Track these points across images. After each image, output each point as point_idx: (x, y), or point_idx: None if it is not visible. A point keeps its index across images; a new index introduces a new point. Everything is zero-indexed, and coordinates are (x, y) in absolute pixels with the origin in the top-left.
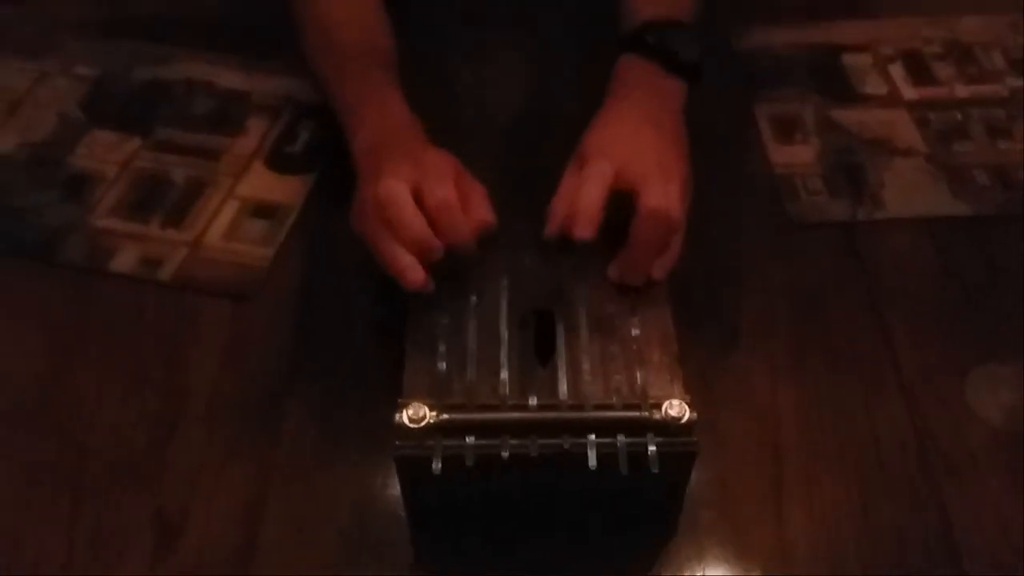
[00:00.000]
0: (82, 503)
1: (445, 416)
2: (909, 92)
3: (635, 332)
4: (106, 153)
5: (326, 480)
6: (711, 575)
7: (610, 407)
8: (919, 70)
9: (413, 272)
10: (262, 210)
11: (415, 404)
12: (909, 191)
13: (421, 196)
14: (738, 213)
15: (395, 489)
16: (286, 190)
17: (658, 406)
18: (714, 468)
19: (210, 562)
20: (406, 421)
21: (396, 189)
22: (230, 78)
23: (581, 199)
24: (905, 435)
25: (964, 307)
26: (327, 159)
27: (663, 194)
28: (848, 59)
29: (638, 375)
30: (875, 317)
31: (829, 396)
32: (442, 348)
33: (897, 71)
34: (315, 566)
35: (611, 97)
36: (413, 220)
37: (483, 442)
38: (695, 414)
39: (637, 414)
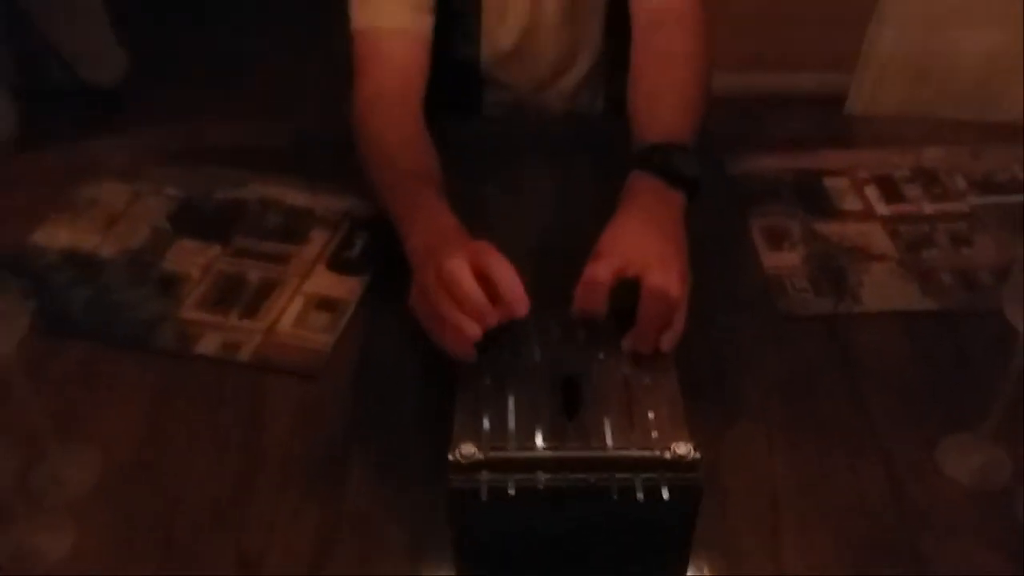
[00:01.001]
0: (174, 544)
1: (490, 454)
2: (882, 209)
3: (647, 393)
4: (191, 258)
5: (384, 526)
6: None
7: (628, 449)
8: (890, 191)
9: (473, 329)
10: (324, 304)
11: (465, 445)
12: (884, 289)
13: (478, 272)
14: (737, 307)
15: (445, 533)
16: (345, 288)
17: (668, 447)
18: (720, 519)
19: None
20: (458, 459)
21: (460, 265)
22: (296, 197)
23: (587, 277)
24: (885, 494)
25: (933, 386)
26: (379, 263)
27: (664, 277)
28: (829, 181)
29: (650, 426)
30: (856, 394)
31: (819, 460)
32: (486, 404)
33: (872, 191)
34: None
35: (623, 205)
36: (475, 290)
37: (522, 476)
38: (699, 454)
39: (650, 454)
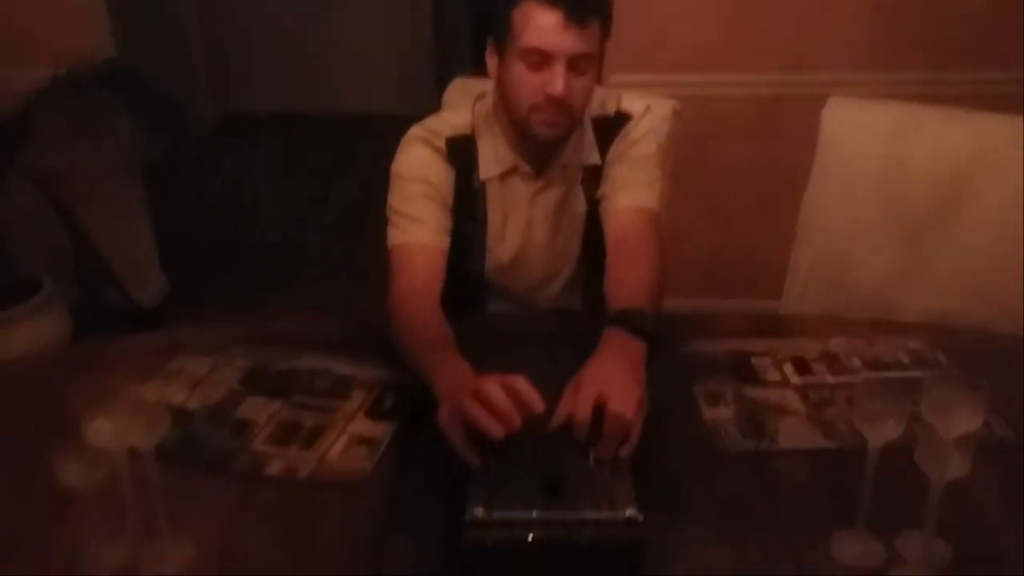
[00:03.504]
0: None
1: (495, 516)
2: (796, 379)
3: (607, 481)
4: (259, 410)
5: None
6: None
7: (593, 513)
8: (802, 368)
9: (497, 427)
10: (364, 441)
11: (477, 509)
12: (794, 434)
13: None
14: (683, 447)
15: None
16: (379, 430)
17: (621, 512)
18: None
19: None
20: (472, 518)
21: (494, 386)
22: (341, 367)
23: (578, 414)
24: (792, 571)
25: (828, 498)
26: (405, 413)
27: (622, 406)
28: (755, 360)
29: (609, 500)
30: (771, 505)
31: (741, 550)
32: (492, 485)
33: (788, 368)
34: None
35: (597, 351)
36: (505, 400)
37: (518, 531)
38: (643, 515)
39: (608, 515)
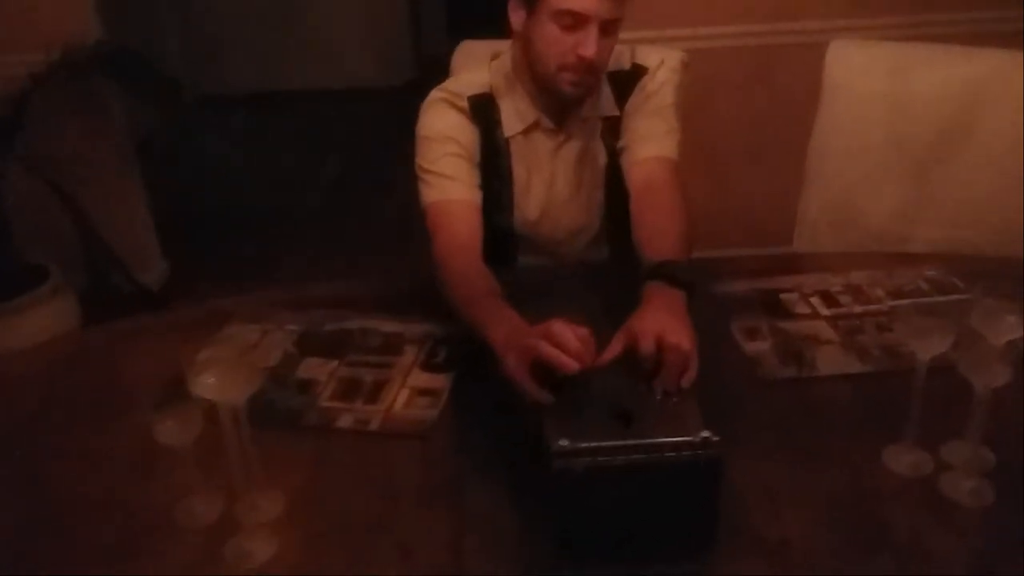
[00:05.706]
0: (348, 544)
1: (581, 445)
2: (824, 311)
3: (676, 408)
4: (318, 370)
5: (497, 524)
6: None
7: (671, 437)
8: (829, 300)
9: (571, 363)
10: (425, 392)
11: (561, 440)
12: (831, 361)
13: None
14: (728, 376)
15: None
16: (438, 381)
17: (696, 435)
18: (732, 503)
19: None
20: (560, 448)
21: (564, 328)
22: (389, 326)
23: (643, 347)
24: (849, 483)
25: (874, 416)
26: (459, 365)
27: (677, 337)
28: (784, 296)
29: (682, 425)
30: (819, 425)
31: (800, 466)
32: (567, 419)
33: (816, 301)
34: (511, 566)
35: (642, 304)
36: (573, 338)
37: (603, 458)
38: (718, 437)
39: (686, 439)
